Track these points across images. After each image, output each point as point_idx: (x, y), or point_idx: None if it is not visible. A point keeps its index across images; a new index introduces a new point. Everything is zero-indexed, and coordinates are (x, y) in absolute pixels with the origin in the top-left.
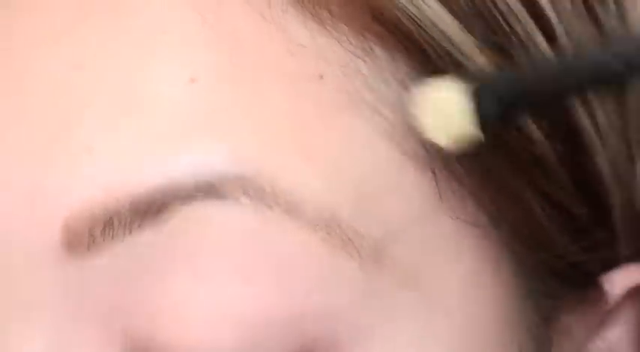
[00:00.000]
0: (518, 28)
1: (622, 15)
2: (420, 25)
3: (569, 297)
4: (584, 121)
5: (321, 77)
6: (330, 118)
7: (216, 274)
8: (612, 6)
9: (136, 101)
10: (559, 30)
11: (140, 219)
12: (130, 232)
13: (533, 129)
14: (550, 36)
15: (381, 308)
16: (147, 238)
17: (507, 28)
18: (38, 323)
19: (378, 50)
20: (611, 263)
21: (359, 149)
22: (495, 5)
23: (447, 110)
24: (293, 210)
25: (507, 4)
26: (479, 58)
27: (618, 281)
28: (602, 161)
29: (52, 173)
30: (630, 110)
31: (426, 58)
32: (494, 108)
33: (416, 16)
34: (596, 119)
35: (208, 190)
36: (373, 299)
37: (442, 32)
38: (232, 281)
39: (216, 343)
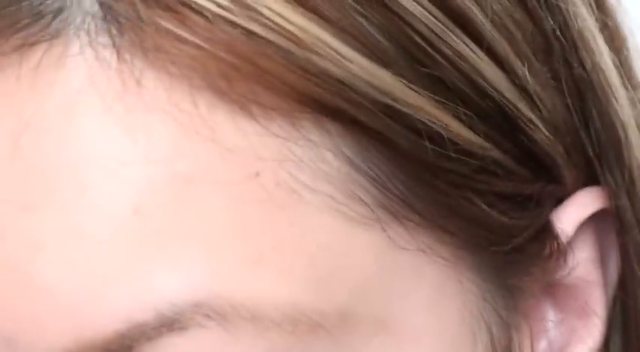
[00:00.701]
0: (443, 48)
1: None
2: (344, 90)
3: (532, 270)
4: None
5: (257, 174)
6: (272, 214)
7: None
8: None
9: (87, 241)
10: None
11: None
12: None
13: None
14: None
15: None
16: None
17: (432, 52)
18: None
19: (310, 127)
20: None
21: (305, 234)
22: (414, 31)
23: None
24: (256, 318)
25: (427, 28)
26: (413, 98)
27: (566, 220)
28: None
29: (18, 323)
30: None
31: (358, 121)
32: None
33: (338, 82)
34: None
35: (171, 324)
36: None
37: (367, 84)
38: None
39: None
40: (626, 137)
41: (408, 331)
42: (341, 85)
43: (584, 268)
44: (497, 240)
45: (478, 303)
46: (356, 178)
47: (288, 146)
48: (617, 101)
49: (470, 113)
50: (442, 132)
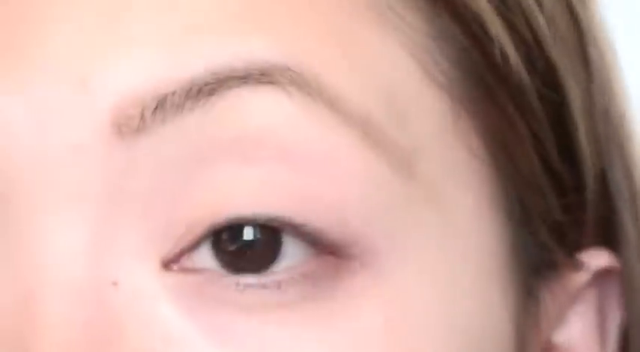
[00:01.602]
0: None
1: None
2: None
3: (557, 260)
4: (569, 87)
5: None
6: (363, 30)
7: (263, 159)
8: None
9: (181, 3)
10: None
11: (192, 101)
12: (182, 114)
13: (528, 80)
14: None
15: (413, 220)
16: (196, 121)
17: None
18: (79, 215)
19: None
20: (580, 235)
21: (389, 61)
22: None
23: None
24: (334, 105)
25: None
26: (483, 3)
27: (590, 260)
28: (581, 129)
29: (100, 60)
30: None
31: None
32: None
33: None
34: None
35: (259, 76)
36: (406, 210)
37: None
38: (278, 167)
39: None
40: None
41: (456, 220)
42: None
43: (584, 331)
44: (537, 203)
45: (510, 249)
46: (434, 49)
47: None
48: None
49: None
50: (510, 56)
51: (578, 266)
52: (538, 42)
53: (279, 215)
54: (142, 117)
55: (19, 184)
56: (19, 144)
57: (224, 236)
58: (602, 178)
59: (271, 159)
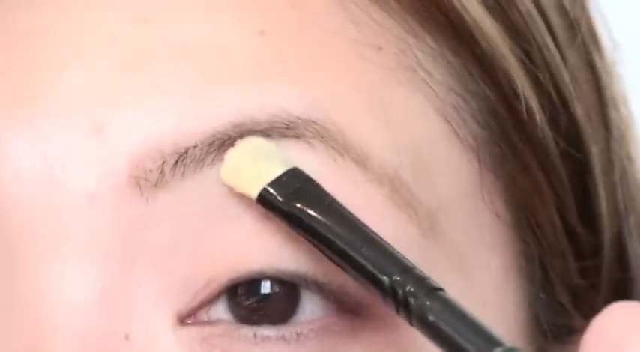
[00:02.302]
0: (539, 39)
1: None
2: (466, 20)
3: (576, 325)
4: (591, 148)
5: (380, 49)
6: (391, 85)
7: None
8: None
9: (203, 48)
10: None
11: (214, 155)
12: (202, 168)
13: (552, 139)
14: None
15: (436, 280)
16: (217, 175)
17: (531, 38)
18: (94, 266)
19: (427, 32)
20: (596, 299)
21: (417, 118)
22: (522, 16)
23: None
24: (362, 162)
25: (530, 16)
26: (510, 58)
27: None
28: (601, 191)
29: (118, 109)
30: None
31: (469, 49)
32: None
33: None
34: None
35: (283, 129)
36: (430, 270)
37: (484, 30)
38: None
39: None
40: None
41: (478, 287)
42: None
43: None
44: (557, 266)
45: (528, 314)
46: (463, 107)
47: (408, 40)
48: None
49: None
50: (536, 113)
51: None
52: (562, 99)
53: (302, 272)
54: (162, 171)
55: (29, 233)
56: (31, 192)
57: (240, 290)
58: (619, 242)
59: None
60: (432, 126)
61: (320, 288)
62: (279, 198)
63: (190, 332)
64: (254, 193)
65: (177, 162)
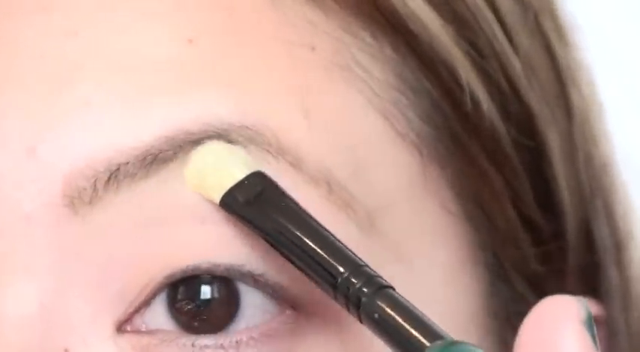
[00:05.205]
0: (486, 29)
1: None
2: (404, 16)
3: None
4: (546, 134)
5: (314, 49)
6: (326, 85)
7: (221, 219)
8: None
9: (133, 61)
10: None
11: (147, 169)
12: (136, 183)
13: (503, 129)
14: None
15: None
16: (151, 188)
17: (477, 28)
18: (33, 283)
19: (365, 30)
20: (562, 284)
21: (354, 117)
22: (468, 7)
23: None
24: (297, 164)
25: (477, 6)
26: (453, 50)
27: None
28: (560, 176)
29: (50, 128)
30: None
31: (408, 44)
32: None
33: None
34: (554, 136)
35: (216, 137)
36: (371, 267)
37: (424, 23)
38: (237, 225)
39: None
40: (628, 248)
41: (425, 282)
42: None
43: None
44: (513, 255)
45: (486, 303)
46: (403, 103)
47: (344, 37)
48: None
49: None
50: (482, 103)
51: None
52: (514, 88)
53: (237, 264)
54: (95, 189)
55: None
56: None
57: (180, 295)
58: (586, 226)
59: (231, 220)
60: (369, 124)
61: (257, 283)
62: (240, 202)
63: (131, 340)
64: (216, 197)
65: (109, 179)
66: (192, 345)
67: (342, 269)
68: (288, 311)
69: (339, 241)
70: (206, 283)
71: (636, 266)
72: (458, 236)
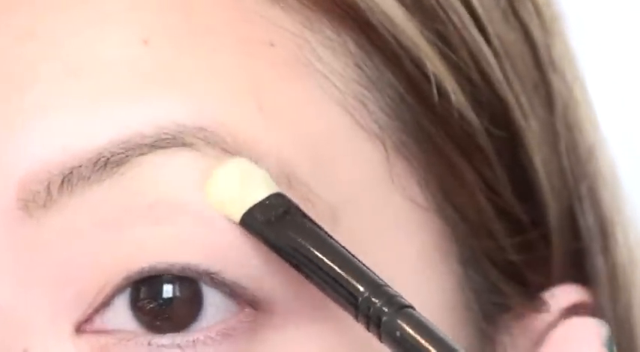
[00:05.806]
0: (455, 19)
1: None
2: (365, 9)
3: (512, 302)
4: (522, 123)
5: (272, 45)
6: (284, 81)
7: (178, 220)
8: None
9: (88, 63)
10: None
11: (100, 172)
12: (90, 186)
13: (474, 119)
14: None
15: None
16: (106, 191)
17: (445, 18)
18: None
19: (326, 25)
20: (547, 272)
21: (314, 112)
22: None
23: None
24: (256, 161)
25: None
26: (419, 41)
27: (558, 298)
28: (538, 165)
29: (5, 131)
30: (559, 124)
31: (371, 38)
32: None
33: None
34: (530, 124)
35: (170, 139)
36: None
37: (387, 16)
38: (194, 227)
39: None
40: (614, 234)
41: (392, 276)
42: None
43: None
44: (487, 246)
45: (461, 296)
46: (366, 97)
47: (304, 32)
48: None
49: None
50: (451, 94)
51: (539, 307)
52: (486, 78)
53: (194, 263)
54: (49, 192)
55: None
56: None
57: (142, 294)
58: (570, 213)
59: (187, 220)
60: (330, 119)
61: (214, 281)
62: (260, 221)
63: (89, 340)
64: (237, 216)
65: (63, 182)
66: (149, 344)
67: (362, 289)
68: (247, 310)
69: (358, 260)
70: (168, 282)
71: (622, 252)
72: (427, 229)
